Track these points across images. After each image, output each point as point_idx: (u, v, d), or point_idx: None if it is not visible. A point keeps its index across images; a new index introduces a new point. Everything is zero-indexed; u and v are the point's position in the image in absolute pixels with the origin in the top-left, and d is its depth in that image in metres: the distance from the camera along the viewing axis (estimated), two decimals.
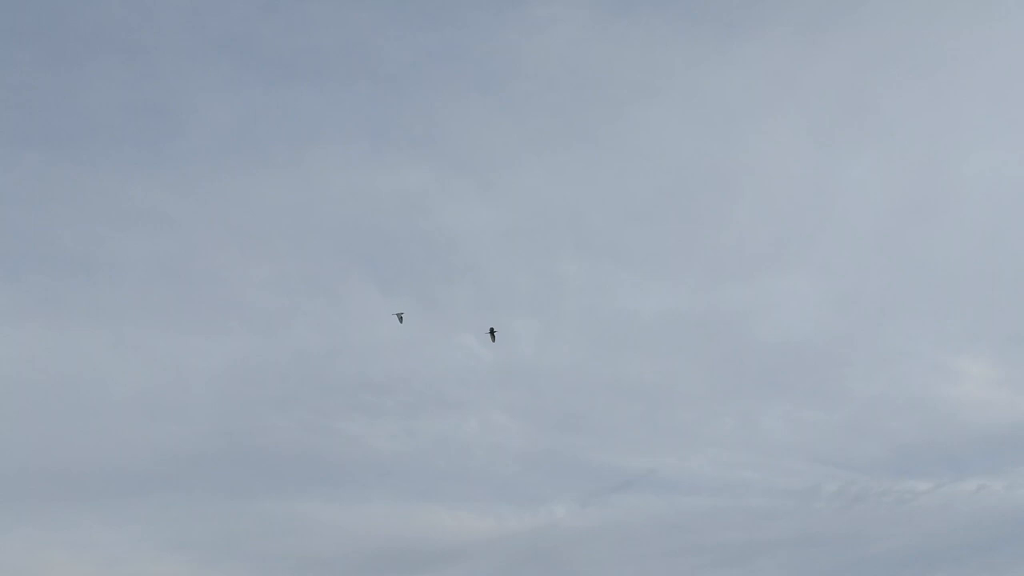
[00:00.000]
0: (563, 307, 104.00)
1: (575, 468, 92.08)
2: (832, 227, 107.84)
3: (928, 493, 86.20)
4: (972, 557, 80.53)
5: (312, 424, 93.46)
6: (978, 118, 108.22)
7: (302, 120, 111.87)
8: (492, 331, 70.31)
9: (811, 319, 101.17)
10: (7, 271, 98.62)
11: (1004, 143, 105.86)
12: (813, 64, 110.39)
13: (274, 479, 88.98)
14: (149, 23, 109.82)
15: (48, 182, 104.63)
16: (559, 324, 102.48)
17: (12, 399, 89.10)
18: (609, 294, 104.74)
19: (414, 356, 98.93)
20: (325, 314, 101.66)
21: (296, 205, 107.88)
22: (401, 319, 69.89)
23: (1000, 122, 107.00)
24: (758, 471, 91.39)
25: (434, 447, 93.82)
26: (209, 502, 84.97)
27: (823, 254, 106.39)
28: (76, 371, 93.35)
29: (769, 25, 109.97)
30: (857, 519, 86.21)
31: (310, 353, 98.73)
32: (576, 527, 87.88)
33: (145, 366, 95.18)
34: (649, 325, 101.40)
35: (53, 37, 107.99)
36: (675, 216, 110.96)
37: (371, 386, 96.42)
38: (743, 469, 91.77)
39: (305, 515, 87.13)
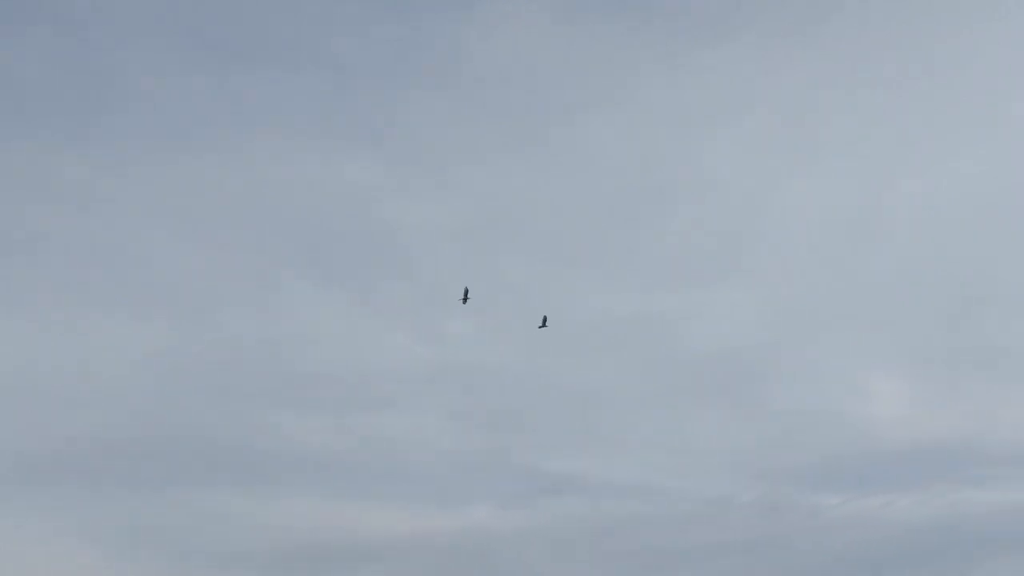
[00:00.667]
0: (501, 307, 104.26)
1: (503, 469, 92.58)
2: (768, 242, 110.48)
3: (838, 507, 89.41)
4: (877, 571, 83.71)
5: (237, 415, 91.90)
6: (911, 145, 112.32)
7: (247, 106, 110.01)
8: (544, 320, 70.42)
9: (741, 330, 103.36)
10: None
11: (933, 171, 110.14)
12: (760, 81, 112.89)
13: (194, 470, 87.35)
14: None
15: None
16: (496, 324, 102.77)
17: None
18: (548, 296, 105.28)
19: (347, 351, 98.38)
20: (258, 304, 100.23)
21: (235, 191, 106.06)
22: (466, 298, 69.35)
23: (931, 151, 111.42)
24: (682, 477, 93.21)
25: (362, 443, 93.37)
26: (122, 492, 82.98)
27: (757, 267, 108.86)
28: None
29: (721, 41, 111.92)
30: (772, 529, 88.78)
31: (240, 343, 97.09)
32: (500, 529, 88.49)
33: (63, 347, 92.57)
34: (586, 329, 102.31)
35: None
36: (617, 222, 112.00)
37: (301, 379, 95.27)
38: (668, 475, 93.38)
39: (224, 508, 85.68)
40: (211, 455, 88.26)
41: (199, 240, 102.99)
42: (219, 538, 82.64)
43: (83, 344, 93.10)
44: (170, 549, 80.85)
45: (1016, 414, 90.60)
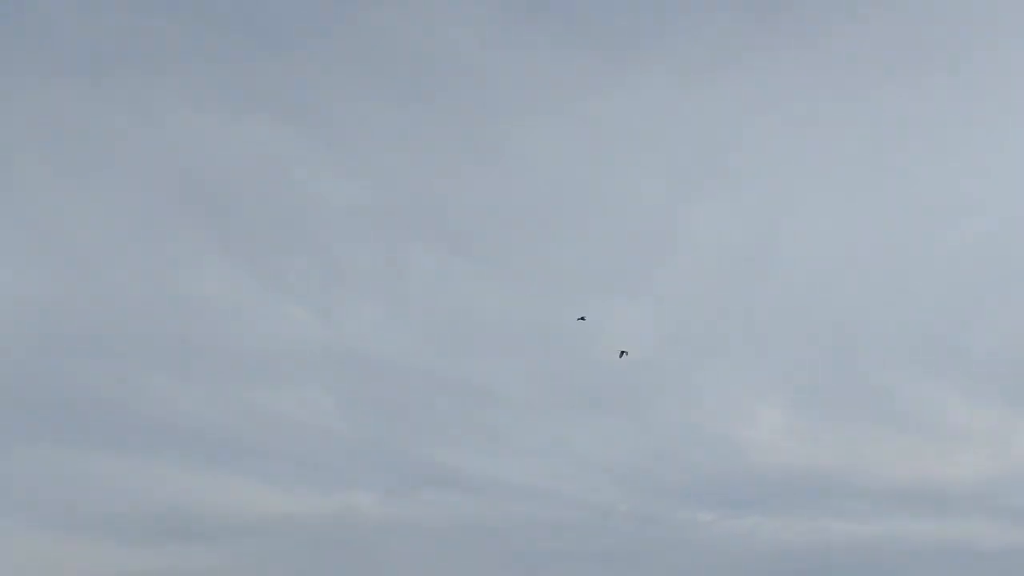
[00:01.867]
0: (407, 297, 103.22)
1: (389, 459, 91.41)
2: (673, 264, 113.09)
3: (710, 524, 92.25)
4: None
5: (114, 375, 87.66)
6: (810, 185, 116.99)
7: (162, 52, 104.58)
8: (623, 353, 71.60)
9: (640, 346, 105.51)
10: None
11: (828, 213, 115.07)
12: (684, 106, 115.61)
13: (61, 427, 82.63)
14: None
15: None
16: (400, 313, 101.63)
17: None
18: (456, 292, 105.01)
19: (240, 321, 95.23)
20: (148, 262, 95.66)
21: (137, 140, 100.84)
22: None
23: (826, 193, 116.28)
24: (567, 483, 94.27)
25: (247, 418, 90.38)
26: None
27: (661, 287, 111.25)
28: None
29: (654, 63, 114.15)
30: (646, 540, 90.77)
31: (125, 299, 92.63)
32: (379, 517, 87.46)
33: None
34: (490, 327, 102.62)
35: None
36: (534, 226, 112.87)
37: (188, 345, 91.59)
38: (553, 479, 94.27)
39: (91, 469, 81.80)
40: (82, 413, 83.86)
41: (91, 186, 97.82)
42: (82, 499, 79.09)
43: None
44: (25, 505, 76.52)
45: (882, 452, 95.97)
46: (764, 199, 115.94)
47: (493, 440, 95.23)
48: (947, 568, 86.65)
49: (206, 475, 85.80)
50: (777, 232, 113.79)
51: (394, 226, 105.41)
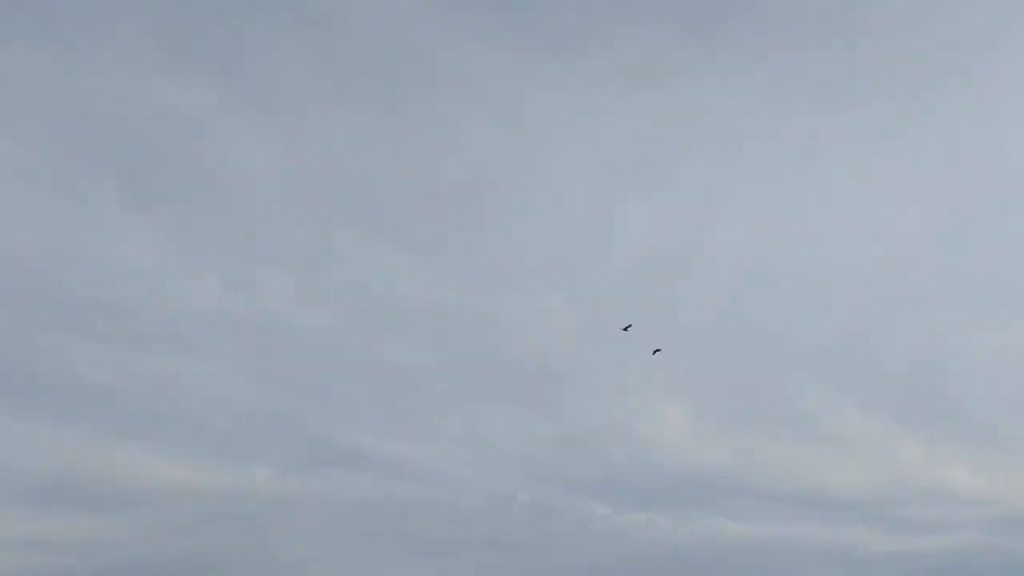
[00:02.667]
0: (326, 273, 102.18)
1: (292, 435, 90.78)
2: (600, 261, 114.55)
3: (606, 517, 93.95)
4: None
5: (12, 334, 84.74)
6: (733, 195, 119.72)
7: (81, 4, 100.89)
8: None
9: (558, 340, 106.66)
10: None
11: (751, 223, 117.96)
12: (622, 111, 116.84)
13: None
14: None
15: None
16: (317, 289, 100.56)
17: None
18: (377, 272, 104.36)
19: (149, 284, 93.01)
20: (56, 217, 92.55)
21: (55, 88, 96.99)
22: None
23: (748, 202, 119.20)
24: (471, 470, 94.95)
25: (149, 384, 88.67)
26: None
27: (585, 283, 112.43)
28: None
29: (595, 67, 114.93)
30: (544, 530, 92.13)
31: (31, 255, 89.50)
32: (277, 493, 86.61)
33: None
34: (409, 311, 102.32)
35: None
36: (463, 215, 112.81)
37: (93, 306, 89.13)
38: (458, 466, 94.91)
39: None
40: None
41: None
42: None
43: None
44: None
45: (778, 458, 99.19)
46: (692, 207, 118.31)
47: (401, 423, 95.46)
48: (829, 571, 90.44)
49: (102, 441, 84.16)
50: (701, 239, 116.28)
51: (319, 201, 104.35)
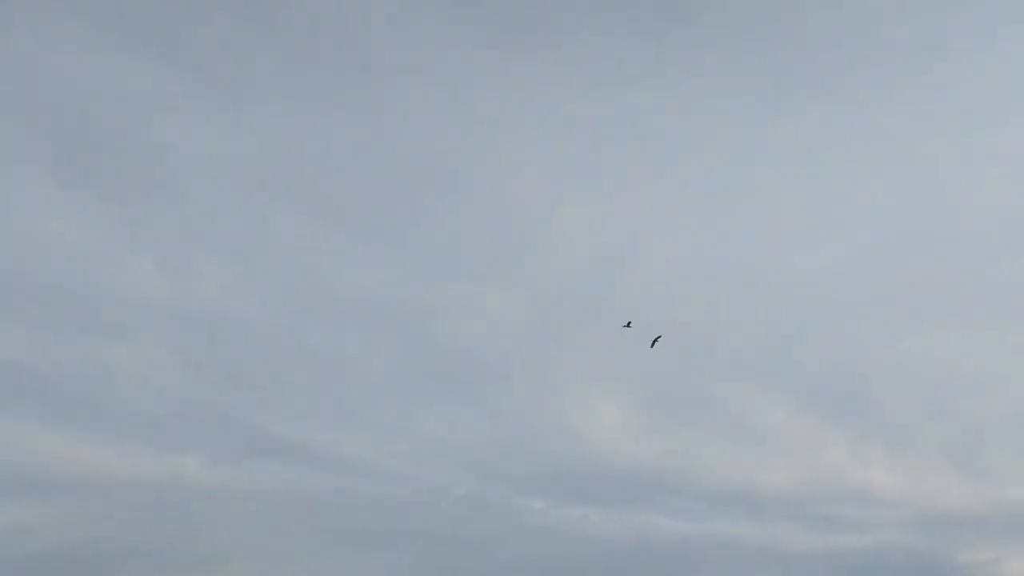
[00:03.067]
0: (265, 259, 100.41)
1: (224, 424, 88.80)
2: (542, 257, 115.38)
3: (540, 512, 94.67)
4: (564, 574, 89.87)
5: None
6: (676, 197, 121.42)
7: None
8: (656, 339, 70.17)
9: (498, 333, 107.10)
10: None
11: (689, 224, 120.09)
12: (569, 110, 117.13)
13: None
14: None
15: None
16: (256, 275, 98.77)
17: None
18: (317, 260, 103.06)
19: (81, 265, 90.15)
20: None
21: None
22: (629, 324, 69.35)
23: (690, 204, 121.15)
24: (407, 463, 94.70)
25: (76, 370, 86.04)
26: None
27: (527, 279, 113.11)
28: None
29: (545, 65, 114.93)
30: (477, 525, 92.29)
31: None
32: (206, 484, 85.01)
33: None
34: (349, 300, 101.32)
35: None
36: (406, 205, 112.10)
37: (19, 285, 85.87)
38: (394, 458, 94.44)
39: None
40: None
41: None
42: None
43: None
44: None
45: (709, 456, 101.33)
46: (634, 208, 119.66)
47: (338, 414, 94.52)
48: (755, 567, 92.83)
49: (26, 426, 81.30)
50: (641, 240, 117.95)
51: (260, 185, 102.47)
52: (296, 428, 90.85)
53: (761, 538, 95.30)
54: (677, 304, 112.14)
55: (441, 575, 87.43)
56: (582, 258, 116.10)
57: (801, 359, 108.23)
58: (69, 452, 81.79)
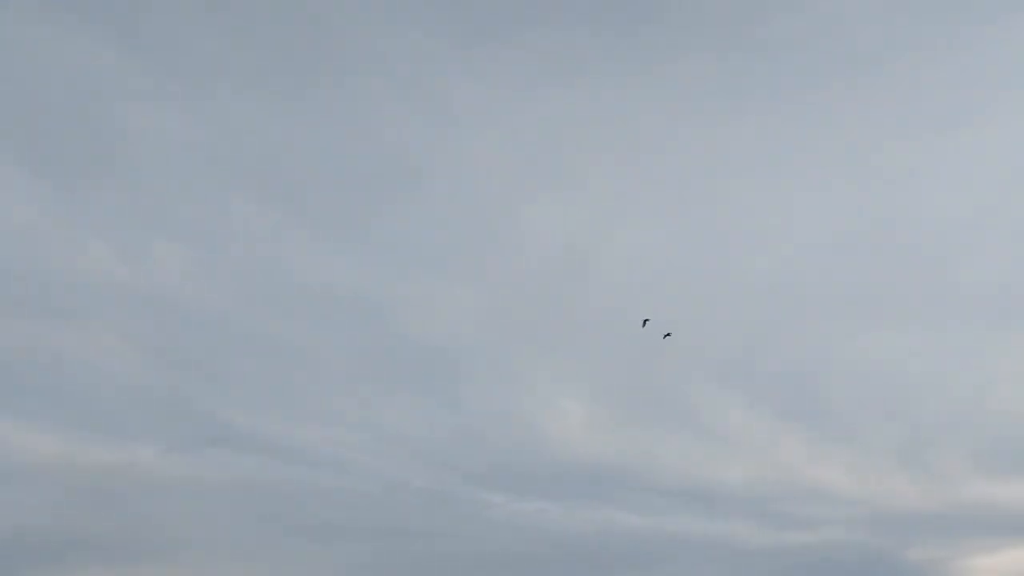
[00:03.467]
0: (224, 246, 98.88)
1: (179, 413, 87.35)
2: (505, 253, 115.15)
3: (499, 506, 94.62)
4: (516, 570, 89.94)
5: None
6: (639, 197, 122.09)
7: None
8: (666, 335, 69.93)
9: (460, 328, 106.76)
10: None
11: (651, 224, 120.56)
12: (535, 104, 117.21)
13: None
14: None
15: None
16: (214, 262, 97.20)
17: None
18: (277, 249, 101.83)
19: (32, 247, 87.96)
20: None
21: None
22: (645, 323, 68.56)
23: (653, 204, 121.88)
24: (367, 456, 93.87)
25: (25, 354, 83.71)
26: None
27: (489, 274, 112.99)
28: None
29: (509, 58, 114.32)
30: (436, 518, 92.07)
31: None
32: (159, 473, 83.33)
33: None
34: (309, 290, 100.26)
35: None
36: (369, 196, 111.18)
37: None
38: (354, 451, 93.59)
39: None
40: None
41: None
42: None
43: None
44: None
45: (667, 453, 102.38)
46: (598, 205, 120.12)
47: (296, 405, 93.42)
48: (709, 562, 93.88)
49: None
50: (605, 237, 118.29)
51: (221, 172, 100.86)
52: (254, 418, 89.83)
53: (717, 534, 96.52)
54: (639, 300, 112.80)
55: (399, 568, 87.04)
56: (545, 254, 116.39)
57: (760, 359, 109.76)
58: (15, 439, 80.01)
